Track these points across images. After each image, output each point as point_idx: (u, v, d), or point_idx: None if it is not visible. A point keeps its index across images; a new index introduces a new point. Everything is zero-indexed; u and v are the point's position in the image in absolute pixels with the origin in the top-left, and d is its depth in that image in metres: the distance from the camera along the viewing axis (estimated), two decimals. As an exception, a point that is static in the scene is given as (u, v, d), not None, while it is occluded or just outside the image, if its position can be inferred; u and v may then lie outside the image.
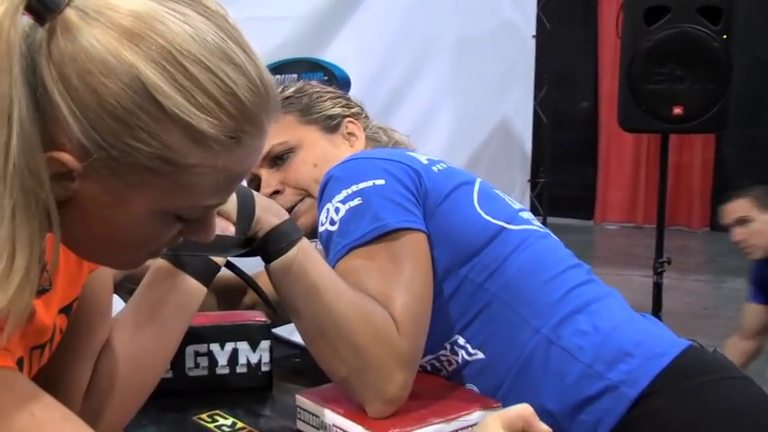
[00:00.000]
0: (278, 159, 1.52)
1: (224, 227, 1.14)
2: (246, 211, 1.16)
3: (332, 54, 3.34)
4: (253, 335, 1.42)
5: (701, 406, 1.22)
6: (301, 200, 1.50)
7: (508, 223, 1.33)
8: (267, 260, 1.17)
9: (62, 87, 0.71)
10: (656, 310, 3.55)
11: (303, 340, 1.20)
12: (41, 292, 0.86)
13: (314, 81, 1.68)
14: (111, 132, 0.72)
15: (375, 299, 1.16)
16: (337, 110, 1.57)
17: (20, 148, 0.69)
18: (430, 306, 1.22)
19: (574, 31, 7.45)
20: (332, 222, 1.25)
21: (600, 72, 7.54)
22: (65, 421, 0.75)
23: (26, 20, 0.72)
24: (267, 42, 3.11)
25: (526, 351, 1.27)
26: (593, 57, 7.64)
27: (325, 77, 3.38)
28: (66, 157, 0.72)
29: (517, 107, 4.34)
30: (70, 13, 0.71)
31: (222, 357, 1.41)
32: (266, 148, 1.50)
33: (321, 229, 1.28)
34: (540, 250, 1.33)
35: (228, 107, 0.75)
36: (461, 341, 1.30)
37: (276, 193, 1.51)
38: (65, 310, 0.96)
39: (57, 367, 0.98)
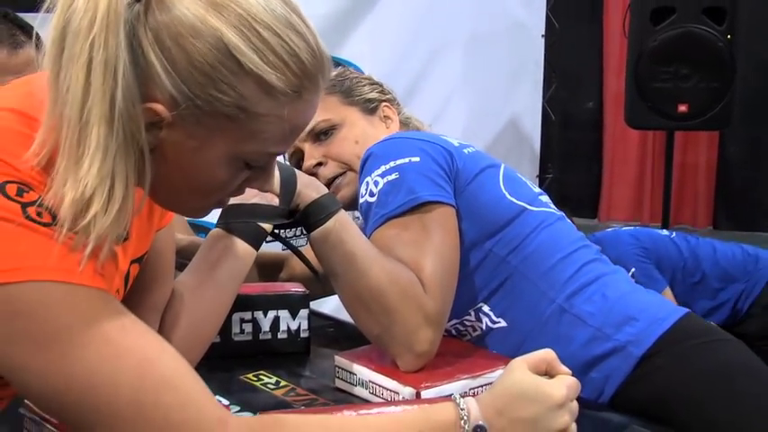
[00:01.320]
0: (322, 135, 1.64)
1: (270, 199, 1.28)
2: (289, 186, 1.29)
3: (348, 52, 3.41)
4: (293, 304, 1.52)
5: (699, 364, 1.33)
6: (343, 173, 1.62)
7: (529, 204, 1.45)
8: (308, 230, 1.31)
9: (157, 48, 0.84)
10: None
11: (342, 302, 1.32)
12: (123, 239, 0.97)
13: (351, 69, 1.82)
14: (198, 85, 0.85)
15: (406, 264, 1.28)
16: (375, 94, 1.69)
17: (123, 97, 0.82)
18: (456, 272, 1.33)
19: (582, 30, 7.48)
20: (371, 194, 1.37)
21: (606, 71, 7.56)
22: (148, 334, 0.86)
23: None
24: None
25: (542, 318, 1.39)
26: (598, 56, 7.65)
27: (341, 74, 3.47)
28: (159, 107, 0.86)
29: (526, 105, 4.39)
30: None
31: (265, 324, 1.51)
32: (311, 124, 1.63)
33: (361, 200, 1.40)
34: (556, 231, 1.45)
35: (293, 66, 0.89)
36: (486, 309, 1.42)
37: (319, 165, 1.63)
38: (138, 261, 1.07)
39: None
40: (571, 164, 7.93)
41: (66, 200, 0.80)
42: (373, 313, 1.26)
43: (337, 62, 3.45)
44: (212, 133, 0.88)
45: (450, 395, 1.19)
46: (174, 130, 0.88)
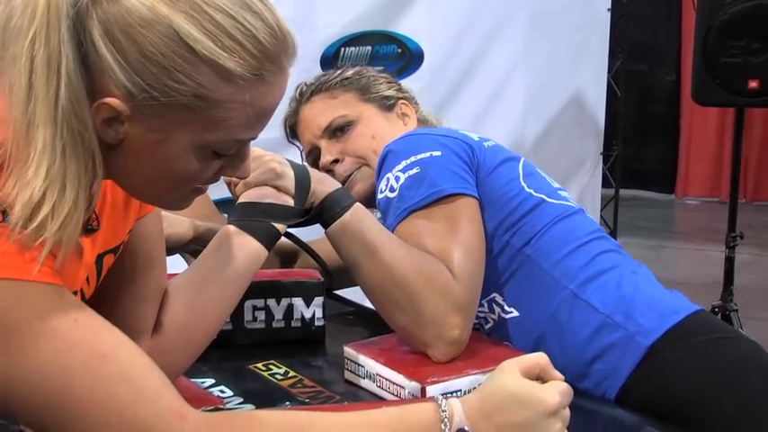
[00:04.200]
0: (338, 131, 1.65)
1: (285, 200, 1.26)
2: (303, 185, 1.28)
3: (406, 27, 3.40)
4: (307, 291, 1.49)
5: (710, 361, 1.29)
6: (359, 168, 1.62)
7: (548, 197, 1.43)
8: (325, 226, 1.30)
9: (108, 41, 0.81)
10: (728, 285, 3.52)
11: (366, 296, 1.31)
12: (90, 231, 0.97)
13: (369, 68, 1.80)
14: (152, 76, 0.83)
15: (433, 255, 1.26)
16: (392, 92, 1.71)
17: (67, 96, 0.80)
18: (483, 262, 1.32)
19: (657, 1, 7.32)
20: (392, 190, 1.36)
21: (683, 43, 7.36)
22: (104, 328, 0.84)
23: None
24: (342, 15, 3.19)
25: (554, 305, 1.36)
26: (677, 28, 7.46)
27: (399, 50, 3.43)
28: (114, 101, 0.83)
29: (591, 80, 4.33)
30: None
31: (278, 312, 1.49)
32: (327, 120, 1.66)
33: (380, 196, 1.39)
34: (573, 221, 1.43)
35: (250, 48, 0.86)
36: (499, 299, 1.40)
37: (336, 162, 1.64)
38: (113, 251, 1.06)
39: (119, 309, 1.08)
40: (645, 139, 7.81)
41: (16, 201, 0.79)
42: (399, 303, 1.25)
43: (389, 38, 3.44)
44: (173, 125, 0.86)
45: (453, 393, 1.17)
46: (135, 124, 0.86)
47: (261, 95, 0.89)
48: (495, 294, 1.40)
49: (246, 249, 1.20)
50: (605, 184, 4.67)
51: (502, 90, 3.83)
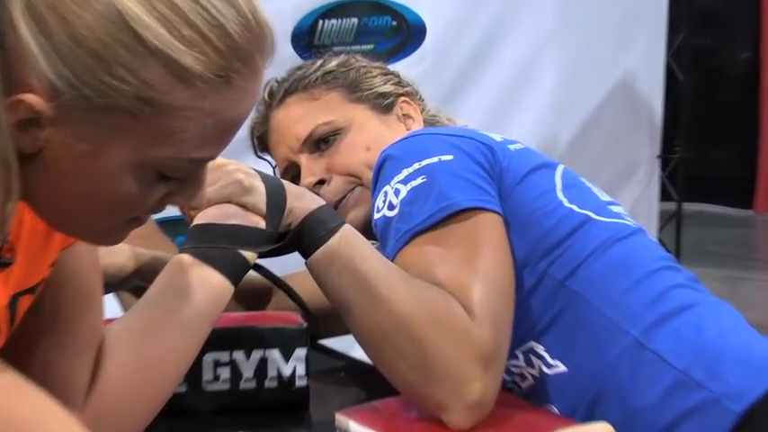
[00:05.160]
0: (322, 143, 1.66)
1: (254, 221, 1.27)
2: (276, 201, 1.29)
3: (402, -8, 3.44)
4: (285, 341, 1.49)
5: None
6: (351, 189, 1.63)
7: (596, 214, 1.43)
8: (305, 254, 1.30)
9: (30, 20, 0.82)
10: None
11: (359, 343, 1.31)
12: (2, 265, 0.97)
13: (359, 55, 1.81)
14: (85, 68, 0.83)
15: (446, 289, 1.26)
16: (389, 87, 1.72)
17: None
18: (512, 297, 1.32)
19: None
20: (390, 206, 1.36)
21: (764, 12, 7.40)
22: (22, 391, 0.85)
23: None
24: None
25: (612, 357, 1.36)
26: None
27: (393, 23, 3.46)
28: (32, 97, 0.83)
29: (643, 61, 4.34)
30: None
31: (248, 368, 1.48)
32: (307, 129, 1.67)
33: (377, 216, 1.39)
34: (632, 245, 1.43)
35: (215, 41, 0.86)
36: (539, 349, 1.40)
37: (321, 183, 1.64)
38: (30, 291, 1.06)
39: (41, 365, 1.09)
40: (714, 138, 7.83)
41: None
42: (403, 353, 1.25)
43: (381, 7, 3.46)
44: (109, 134, 0.87)
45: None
46: (59, 130, 0.86)
47: (225, 103, 0.89)
48: (532, 343, 1.40)
49: (207, 285, 1.21)
50: (664, 196, 4.69)
51: (527, 73, 3.85)
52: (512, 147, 1.47)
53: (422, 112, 1.75)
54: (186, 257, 1.22)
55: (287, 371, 1.50)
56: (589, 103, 4.12)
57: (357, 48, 3.25)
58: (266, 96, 1.74)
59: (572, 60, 3.96)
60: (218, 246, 1.23)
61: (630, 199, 4.32)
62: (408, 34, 3.48)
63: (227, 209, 1.27)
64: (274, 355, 1.49)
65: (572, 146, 4.01)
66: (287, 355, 1.50)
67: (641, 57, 4.33)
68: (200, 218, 1.26)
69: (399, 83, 1.76)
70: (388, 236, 1.37)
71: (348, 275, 1.27)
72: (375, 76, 1.72)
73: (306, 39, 3.14)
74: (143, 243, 1.57)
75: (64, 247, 1.11)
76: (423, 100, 1.79)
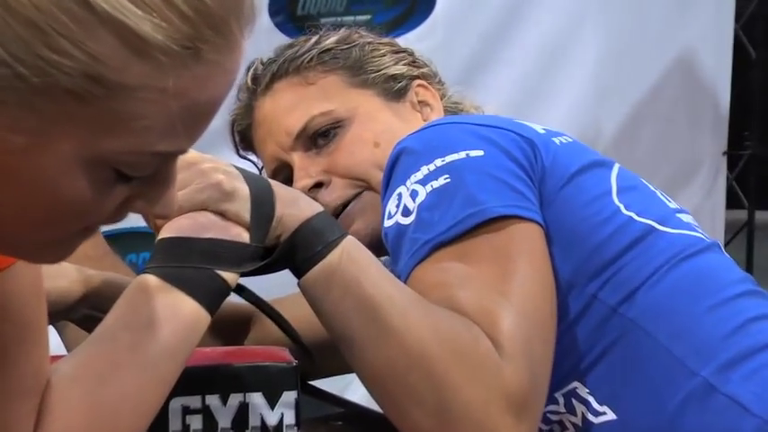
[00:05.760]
0: (319, 138, 1.67)
1: (235, 233, 1.26)
2: (263, 209, 1.28)
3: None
4: (271, 382, 1.46)
5: None
6: (357, 195, 1.63)
7: (660, 224, 1.42)
8: (298, 273, 1.30)
9: None
10: None
11: (364, 384, 1.31)
12: None
13: (362, 30, 1.83)
14: (19, 40, 0.80)
15: (471, 316, 1.25)
16: (401, 68, 1.72)
17: None
18: (552, 327, 1.32)
19: None
20: (405, 212, 1.36)
21: None
22: None
23: None
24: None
25: (675, 403, 1.35)
26: None
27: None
28: None
29: (706, 35, 4.32)
30: None
31: (224, 416, 1.45)
32: (301, 121, 1.68)
33: (389, 223, 1.40)
34: (705, 263, 1.43)
35: (180, 4, 0.84)
36: (583, 392, 1.40)
37: (318, 186, 1.63)
38: None
39: None
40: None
41: None
42: (417, 396, 1.24)
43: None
44: (51, 123, 0.84)
45: None
46: None
47: (194, 82, 0.87)
48: (576, 384, 1.40)
49: (177, 314, 1.21)
50: (731, 202, 4.66)
51: (563, 53, 3.86)
52: (557, 140, 1.47)
53: (441, 99, 1.74)
54: (151, 279, 1.22)
55: (272, 419, 1.47)
56: (638, 86, 4.10)
57: (350, 19, 3.28)
58: (249, 81, 1.75)
59: (617, 33, 3.96)
60: (190, 265, 1.23)
61: (690, 206, 4.26)
62: (414, 2, 3.46)
63: (201, 218, 1.27)
64: (257, 399, 1.47)
65: (617, 140, 4.01)
66: (272, 401, 1.47)
67: (704, 29, 4.31)
68: (169, 229, 1.25)
69: (414, 63, 1.75)
70: (401, 248, 1.37)
71: (351, 300, 1.27)
72: (383, 55, 1.72)
73: (287, 8, 3.13)
74: (92, 265, 1.56)
75: None
76: (443, 84, 1.79)
